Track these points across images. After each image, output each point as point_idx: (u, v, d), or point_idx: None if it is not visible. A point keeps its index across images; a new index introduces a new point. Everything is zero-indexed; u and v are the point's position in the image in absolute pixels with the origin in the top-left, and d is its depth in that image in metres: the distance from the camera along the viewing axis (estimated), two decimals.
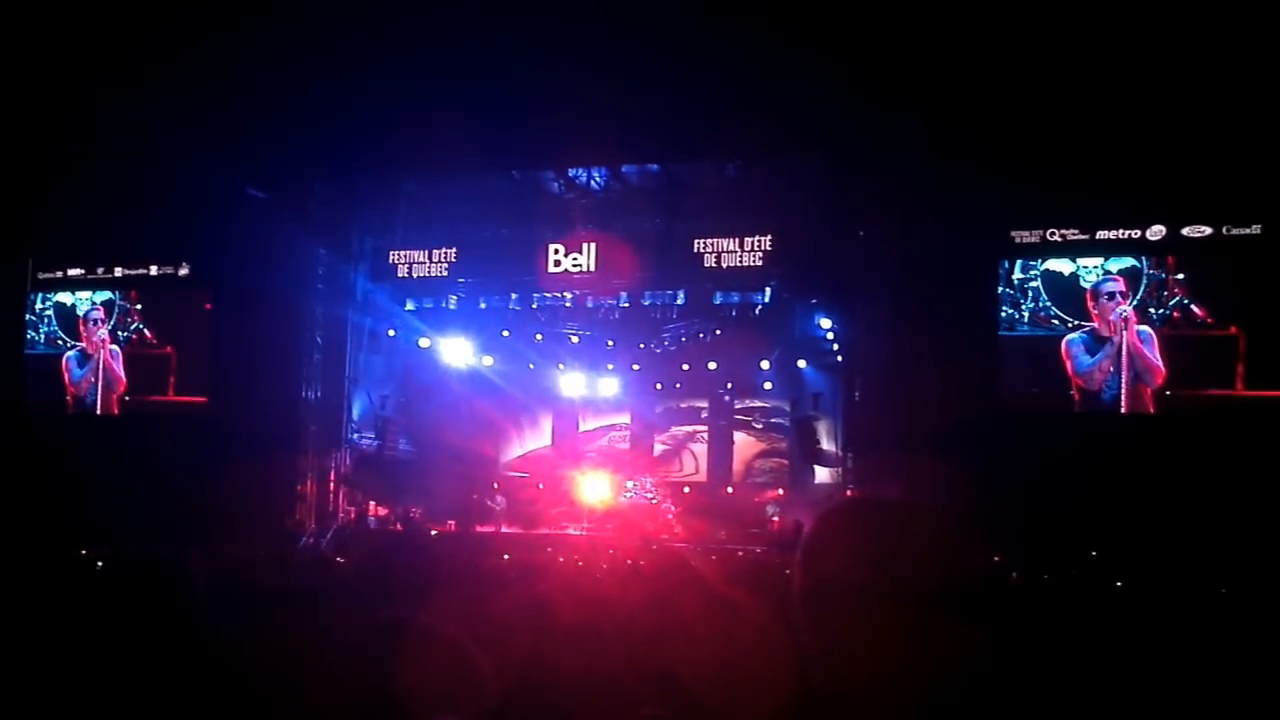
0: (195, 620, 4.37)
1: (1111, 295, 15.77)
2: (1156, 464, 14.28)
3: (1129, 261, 15.80)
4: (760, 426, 24.58)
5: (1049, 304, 16.09)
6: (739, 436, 24.71)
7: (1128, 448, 14.86)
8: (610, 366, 24.17)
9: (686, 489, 23.22)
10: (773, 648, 2.76)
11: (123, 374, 19.51)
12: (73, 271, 19.70)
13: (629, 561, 11.30)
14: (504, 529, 20.78)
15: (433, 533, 17.94)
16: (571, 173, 19.22)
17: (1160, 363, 15.50)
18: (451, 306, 20.91)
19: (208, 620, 4.55)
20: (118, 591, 4.24)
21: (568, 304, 20.91)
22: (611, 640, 4.42)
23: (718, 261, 18.24)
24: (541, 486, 23.32)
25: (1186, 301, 15.45)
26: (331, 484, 19.96)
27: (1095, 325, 15.83)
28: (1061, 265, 16.11)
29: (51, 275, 19.79)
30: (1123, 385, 15.61)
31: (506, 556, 13.45)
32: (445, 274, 19.47)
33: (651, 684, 3.65)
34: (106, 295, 19.72)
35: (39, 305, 19.91)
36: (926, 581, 2.15)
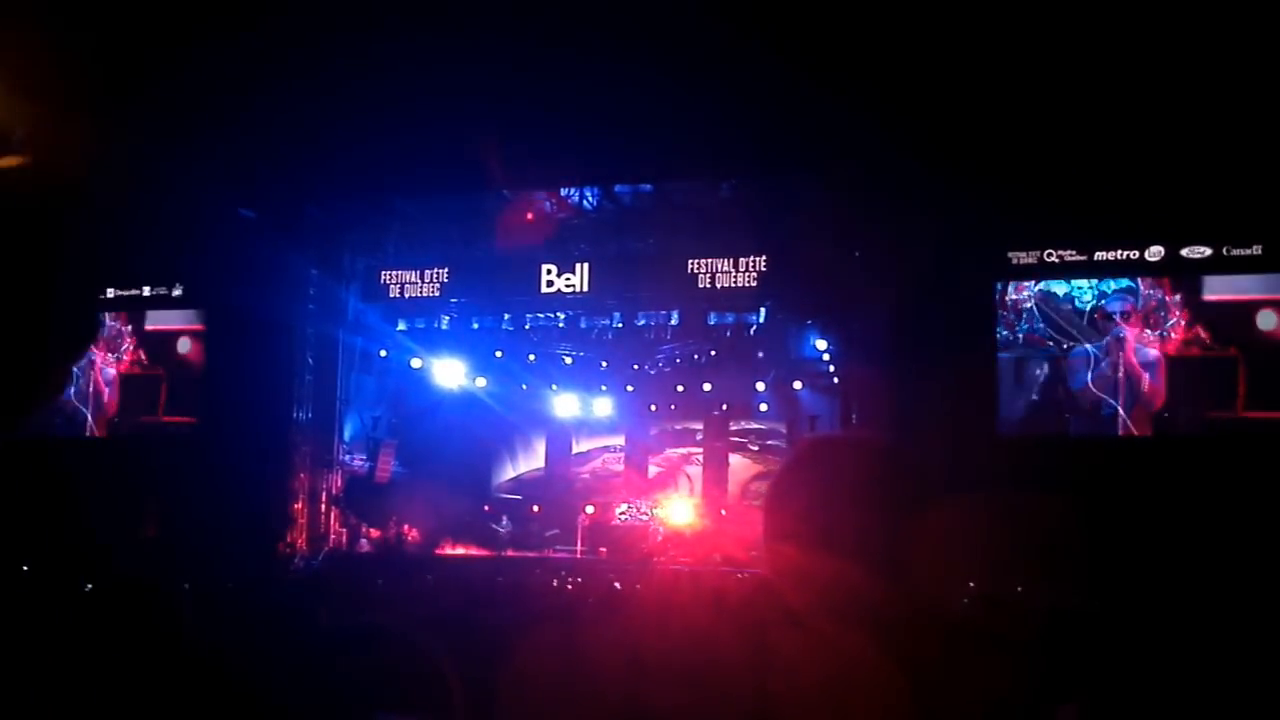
0: (184, 643, 4.25)
1: (1110, 315, 15.69)
2: (1157, 487, 14.15)
3: (1124, 282, 15.73)
4: (756, 448, 24.46)
5: (1043, 324, 16.01)
6: (734, 458, 24.59)
7: (1127, 470, 14.75)
8: (604, 388, 24.08)
9: (682, 511, 23.04)
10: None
11: (114, 396, 19.39)
12: None
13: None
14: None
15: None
16: (564, 192, 19.16)
17: (1161, 384, 15.41)
18: (443, 327, 20.82)
19: (197, 644, 4.44)
20: (106, 614, 4.12)
21: (561, 324, 20.85)
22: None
23: (712, 282, 18.15)
24: (537, 509, 23.22)
25: (1185, 323, 15.37)
26: (323, 505, 19.85)
27: (1096, 343, 15.75)
28: (1057, 285, 16.04)
29: None
30: (1120, 406, 15.52)
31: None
32: (437, 294, 19.39)
33: None
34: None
35: None
36: (892, 521, 2.12)
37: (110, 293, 19.42)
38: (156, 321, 19.42)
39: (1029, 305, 16.07)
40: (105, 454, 19.01)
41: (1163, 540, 13.27)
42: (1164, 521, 13.56)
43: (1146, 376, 15.41)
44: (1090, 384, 15.67)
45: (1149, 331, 15.49)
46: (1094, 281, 15.81)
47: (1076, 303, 15.89)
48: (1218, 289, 15.27)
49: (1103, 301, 15.75)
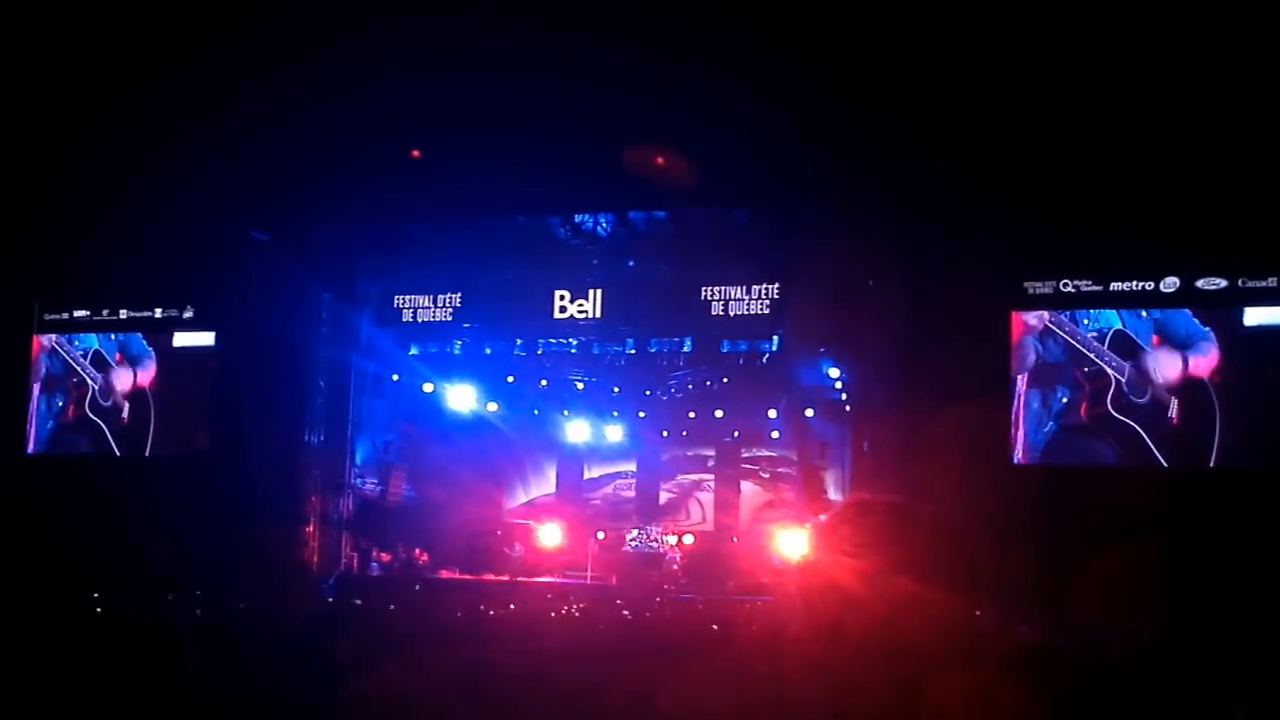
0: (185, 674, 4.22)
1: (1135, 340, 15.61)
2: (1178, 523, 14.01)
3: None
4: (767, 476, 24.42)
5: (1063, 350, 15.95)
6: (746, 486, 24.54)
7: (1149, 501, 14.62)
8: (616, 413, 24.05)
9: (689, 537, 22.93)
10: None
11: (125, 418, 19.44)
12: (78, 313, 19.61)
13: None
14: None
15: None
16: (578, 218, 19.15)
17: (1188, 412, 15.31)
18: (456, 352, 20.81)
19: (201, 674, 4.41)
20: (107, 644, 4.10)
21: (573, 350, 20.82)
22: None
23: (725, 309, 18.11)
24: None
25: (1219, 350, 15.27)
26: (335, 529, 19.81)
27: (1120, 368, 15.64)
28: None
29: (57, 317, 19.69)
30: (1145, 434, 15.41)
31: None
32: (450, 319, 19.35)
33: None
34: (93, 341, 19.68)
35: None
36: (920, 568, 2.41)
37: (123, 313, 19.45)
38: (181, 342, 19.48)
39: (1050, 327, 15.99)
40: (117, 474, 19.01)
41: (1192, 575, 13.16)
42: (1190, 555, 13.44)
43: (1175, 403, 15.31)
44: (1112, 409, 15.55)
45: (1177, 357, 15.38)
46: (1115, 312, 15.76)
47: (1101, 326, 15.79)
48: (1258, 315, 15.20)
49: (1130, 330, 15.65)
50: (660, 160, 16.43)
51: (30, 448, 19.71)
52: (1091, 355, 15.75)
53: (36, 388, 19.80)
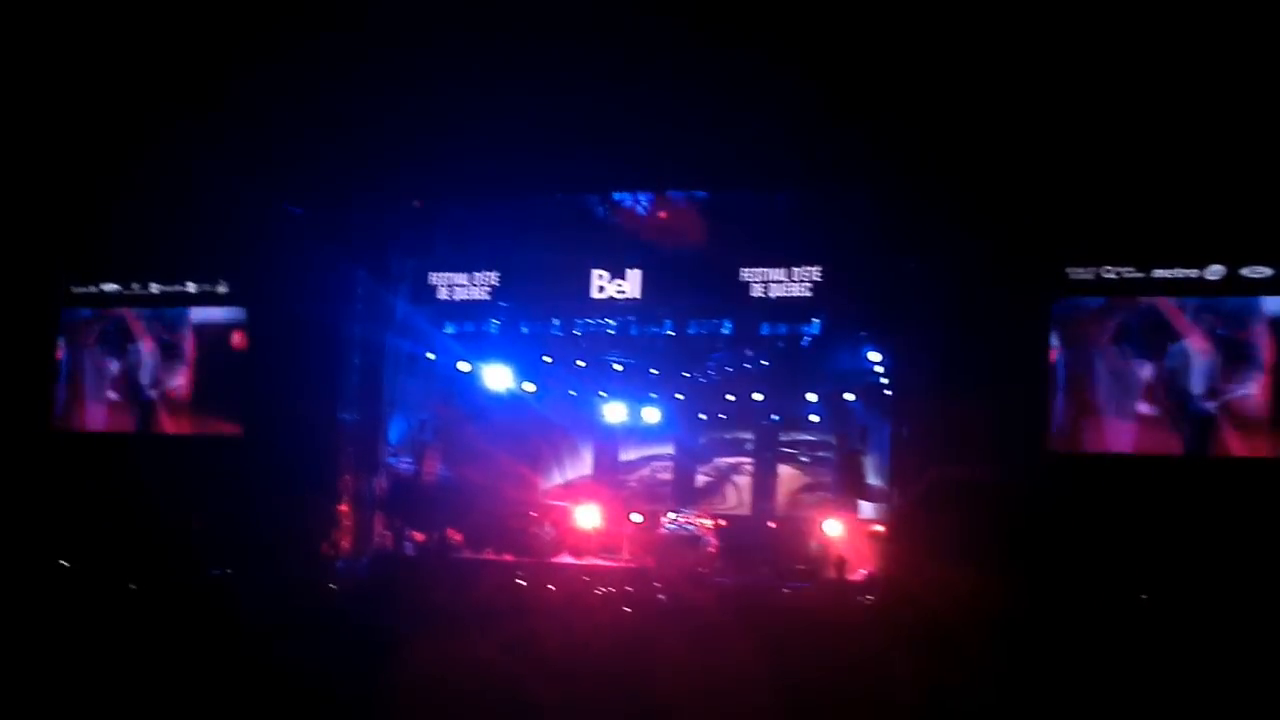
0: (240, 642, 4.17)
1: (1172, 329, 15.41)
2: (1214, 509, 13.88)
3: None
4: (806, 460, 24.36)
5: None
6: (783, 469, 24.46)
7: (1186, 491, 14.47)
8: (653, 395, 23.99)
9: (722, 521, 22.80)
10: None
11: (163, 391, 19.40)
12: (108, 286, 19.52)
13: None
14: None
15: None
16: (617, 197, 19.01)
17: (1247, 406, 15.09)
18: (492, 331, 20.72)
19: (252, 643, 4.35)
20: (164, 614, 4.05)
21: (611, 331, 20.70)
22: None
23: (765, 291, 17.92)
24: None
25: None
26: (368, 508, 19.75)
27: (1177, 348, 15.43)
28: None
29: (85, 290, 19.61)
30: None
31: None
32: (486, 297, 19.20)
33: None
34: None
35: None
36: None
37: (155, 288, 19.37)
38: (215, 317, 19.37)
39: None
40: (152, 451, 19.00)
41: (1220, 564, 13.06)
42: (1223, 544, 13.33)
43: (1244, 390, 15.08)
44: (1183, 392, 15.32)
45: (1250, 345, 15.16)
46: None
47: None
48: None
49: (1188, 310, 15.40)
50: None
51: (62, 413, 19.61)
52: (1163, 335, 15.50)
53: (69, 353, 19.67)
